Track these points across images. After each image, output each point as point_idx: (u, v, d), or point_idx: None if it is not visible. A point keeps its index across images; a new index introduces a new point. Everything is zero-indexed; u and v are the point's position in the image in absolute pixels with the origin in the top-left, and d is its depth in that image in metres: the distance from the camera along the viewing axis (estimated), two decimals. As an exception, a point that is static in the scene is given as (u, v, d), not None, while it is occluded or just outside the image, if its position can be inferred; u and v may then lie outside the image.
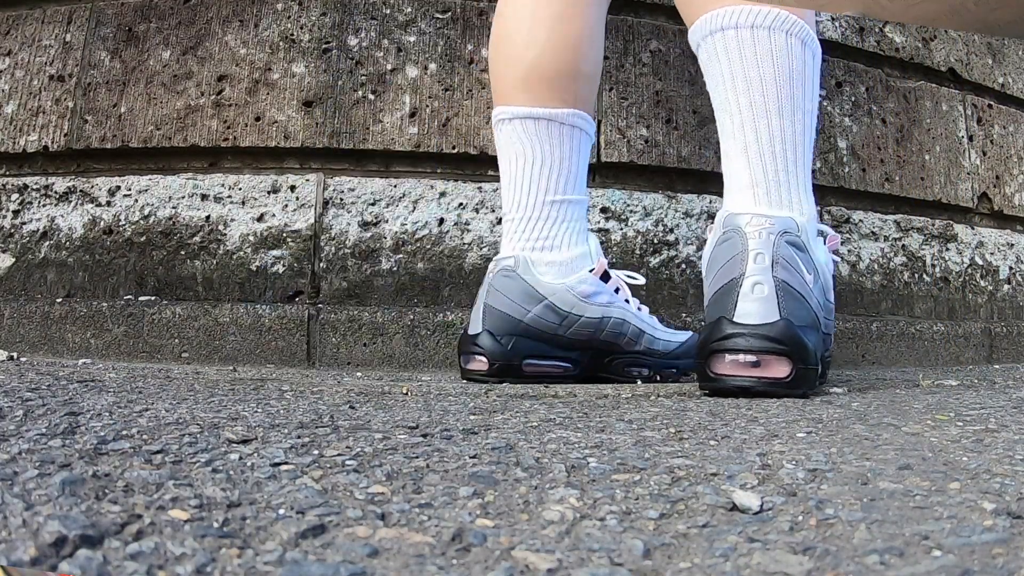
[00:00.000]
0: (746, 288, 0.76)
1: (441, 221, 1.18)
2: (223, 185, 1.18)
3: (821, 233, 0.88)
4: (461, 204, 1.19)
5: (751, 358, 0.75)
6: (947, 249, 1.46)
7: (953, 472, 0.40)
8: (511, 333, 0.93)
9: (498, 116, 0.98)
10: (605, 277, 0.98)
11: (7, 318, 1.16)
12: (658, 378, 1.02)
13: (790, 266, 0.77)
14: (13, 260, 1.19)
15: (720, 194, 1.28)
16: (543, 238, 0.96)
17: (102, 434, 0.44)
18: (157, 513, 0.30)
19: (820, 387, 0.84)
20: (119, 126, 1.19)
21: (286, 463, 0.40)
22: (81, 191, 1.19)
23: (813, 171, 1.33)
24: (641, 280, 1.02)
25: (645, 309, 1.03)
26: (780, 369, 0.75)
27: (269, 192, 1.17)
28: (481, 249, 1.18)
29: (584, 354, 0.97)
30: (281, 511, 0.32)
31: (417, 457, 0.42)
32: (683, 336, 1.04)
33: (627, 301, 0.99)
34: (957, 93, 1.51)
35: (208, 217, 1.17)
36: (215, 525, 0.30)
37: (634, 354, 1.00)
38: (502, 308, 0.94)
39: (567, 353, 0.96)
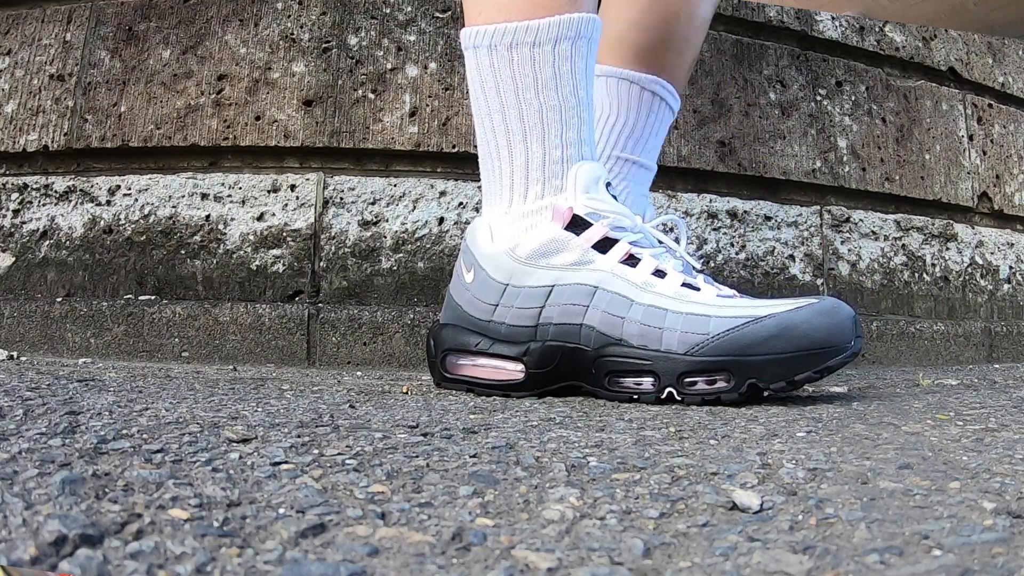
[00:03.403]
0: None
1: (441, 220, 1.18)
2: (223, 184, 1.18)
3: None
4: (461, 203, 1.19)
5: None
6: (947, 248, 1.46)
7: (953, 471, 0.40)
8: None
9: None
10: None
11: (7, 317, 1.16)
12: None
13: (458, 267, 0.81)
14: (13, 259, 1.19)
15: (720, 193, 1.29)
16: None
17: (102, 433, 0.44)
18: (157, 512, 0.30)
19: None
20: (119, 125, 1.19)
21: (286, 462, 0.40)
22: (81, 190, 1.19)
23: (813, 170, 1.34)
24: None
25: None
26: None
27: (269, 191, 1.17)
28: (481, 248, 1.18)
29: None
30: (281, 510, 0.32)
31: (417, 456, 0.42)
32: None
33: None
34: (957, 92, 1.51)
35: (208, 216, 1.17)
36: (215, 524, 0.30)
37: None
38: None
39: None
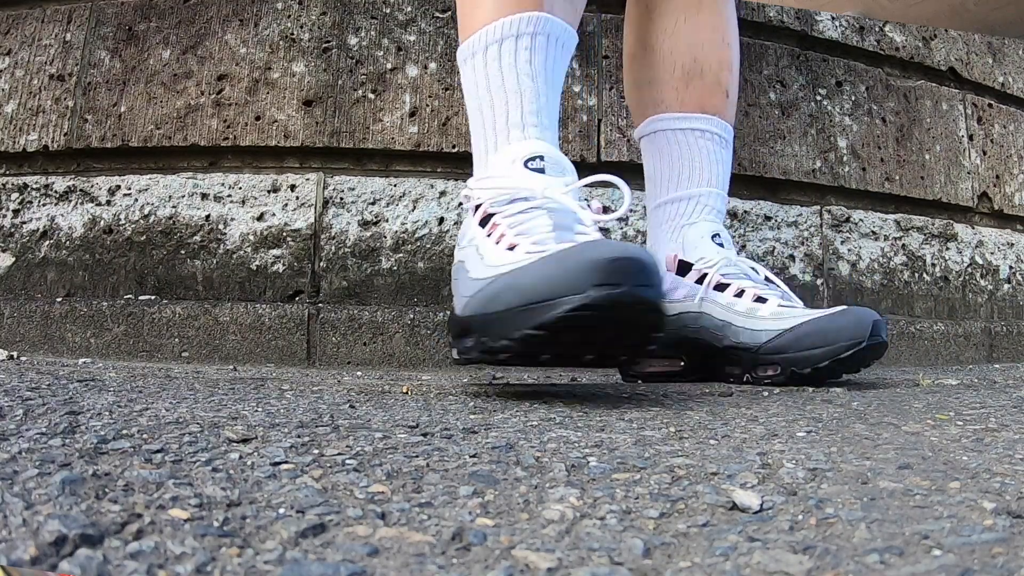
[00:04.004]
0: None
1: (441, 220, 1.18)
2: (223, 184, 1.18)
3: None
4: (461, 204, 1.19)
5: None
6: (947, 248, 1.46)
7: (953, 471, 0.40)
8: None
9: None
10: (684, 270, 0.94)
11: (7, 317, 1.16)
12: (747, 379, 0.87)
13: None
14: (13, 259, 1.19)
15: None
16: (649, 245, 1.02)
17: (102, 433, 0.44)
18: (157, 512, 0.30)
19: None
20: (119, 125, 1.19)
21: (286, 462, 0.40)
22: (81, 190, 1.19)
23: (813, 170, 1.34)
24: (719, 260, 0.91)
25: (773, 293, 0.89)
26: None
27: (269, 191, 1.17)
28: (481, 248, 1.18)
29: (690, 352, 0.94)
30: (281, 510, 0.32)
31: (417, 456, 0.42)
32: (788, 322, 0.84)
33: (718, 288, 0.91)
34: (957, 92, 1.51)
35: (208, 216, 1.17)
36: (215, 524, 0.30)
37: (725, 351, 0.89)
38: None
39: (674, 352, 0.95)
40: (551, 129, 0.81)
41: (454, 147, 1.19)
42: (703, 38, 0.99)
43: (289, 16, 1.21)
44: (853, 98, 1.39)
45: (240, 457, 0.40)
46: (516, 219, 0.72)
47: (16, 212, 1.20)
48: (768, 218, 1.30)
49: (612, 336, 0.65)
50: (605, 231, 1.22)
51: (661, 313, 0.64)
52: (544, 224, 0.71)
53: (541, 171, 0.76)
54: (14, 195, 1.21)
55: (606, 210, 0.82)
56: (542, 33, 0.80)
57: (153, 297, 1.16)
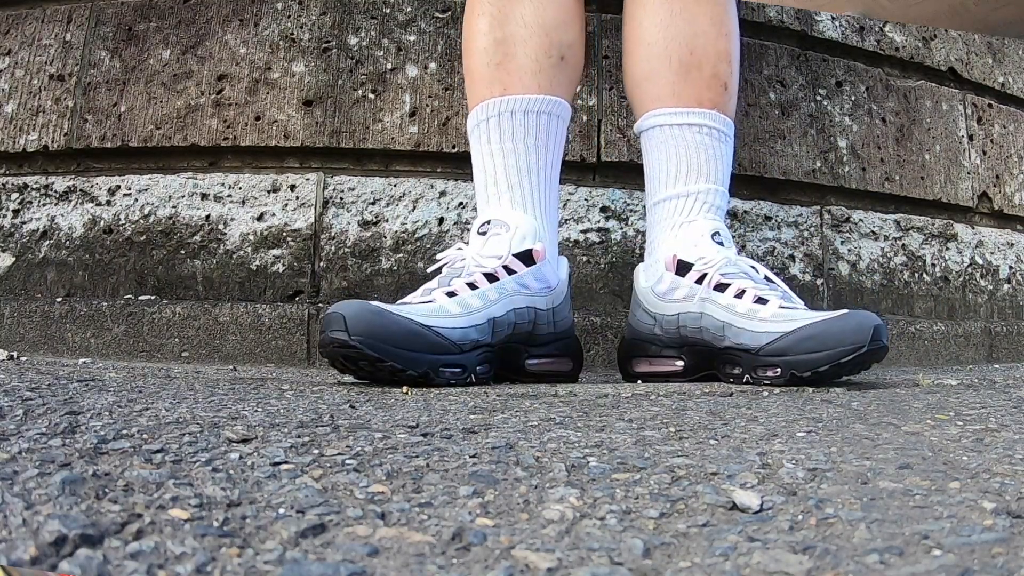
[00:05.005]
0: None
1: (441, 220, 1.18)
2: (223, 184, 1.18)
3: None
4: (461, 203, 1.19)
5: None
6: (947, 248, 1.46)
7: (953, 471, 0.40)
8: (629, 336, 1.00)
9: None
10: (683, 270, 0.92)
11: (7, 317, 1.16)
12: (747, 379, 0.86)
13: None
14: (13, 259, 1.19)
15: (720, 193, 1.28)
16: (648, 243, 1.01)
17: (102, 433, 0.44)
18: (157, 512, 0.30)
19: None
20: (119, 125, 1.19)
21: (286, 462, 0.40)
22: (81, 190, 1.19)
23: (813, 170, 1.34)
24: (716, 260, 0.90)
25: (774, 294, 0.88)
26: None
27: (269, 191, 1.17)
28: (481, 248, 1.18)
29: (689, 352, 0.95)
30: (281, 510, 0.32)
31: (417, 456, 0.42)
32: (789, 324, 0.83)
33: (718, 289, 0.89)
34: (957, 92, 1.51)
35: (208, 216, 1.17)
36: (215, 524, 0.30)
37: (725, 351, 0.89)
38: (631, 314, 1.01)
39: (674, 352, 0.96)
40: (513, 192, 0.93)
41: (454, 147, 1.19)
42: (700, 29, 0.98)
43: (289, 16, 1.21)
44: (853, 98, 1.39)
45: (240, 457, 0.40)
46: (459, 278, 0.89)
47: (16, 212, 1.20)
48: (768, 218, 1.30)
49: None
50: (606, 231, 1.22)
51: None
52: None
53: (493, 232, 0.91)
54: (14, 195, 1.21)
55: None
56: (511, 111, 0.93)
57: (153, 297, 1.16)
